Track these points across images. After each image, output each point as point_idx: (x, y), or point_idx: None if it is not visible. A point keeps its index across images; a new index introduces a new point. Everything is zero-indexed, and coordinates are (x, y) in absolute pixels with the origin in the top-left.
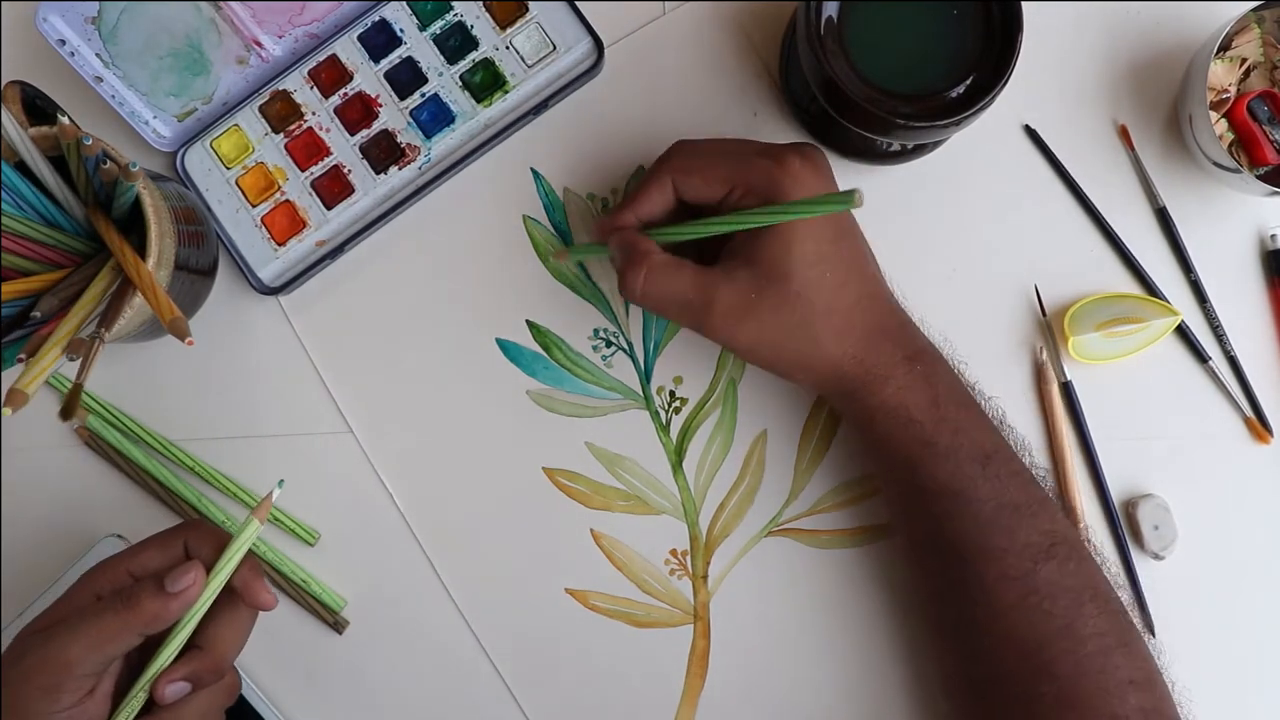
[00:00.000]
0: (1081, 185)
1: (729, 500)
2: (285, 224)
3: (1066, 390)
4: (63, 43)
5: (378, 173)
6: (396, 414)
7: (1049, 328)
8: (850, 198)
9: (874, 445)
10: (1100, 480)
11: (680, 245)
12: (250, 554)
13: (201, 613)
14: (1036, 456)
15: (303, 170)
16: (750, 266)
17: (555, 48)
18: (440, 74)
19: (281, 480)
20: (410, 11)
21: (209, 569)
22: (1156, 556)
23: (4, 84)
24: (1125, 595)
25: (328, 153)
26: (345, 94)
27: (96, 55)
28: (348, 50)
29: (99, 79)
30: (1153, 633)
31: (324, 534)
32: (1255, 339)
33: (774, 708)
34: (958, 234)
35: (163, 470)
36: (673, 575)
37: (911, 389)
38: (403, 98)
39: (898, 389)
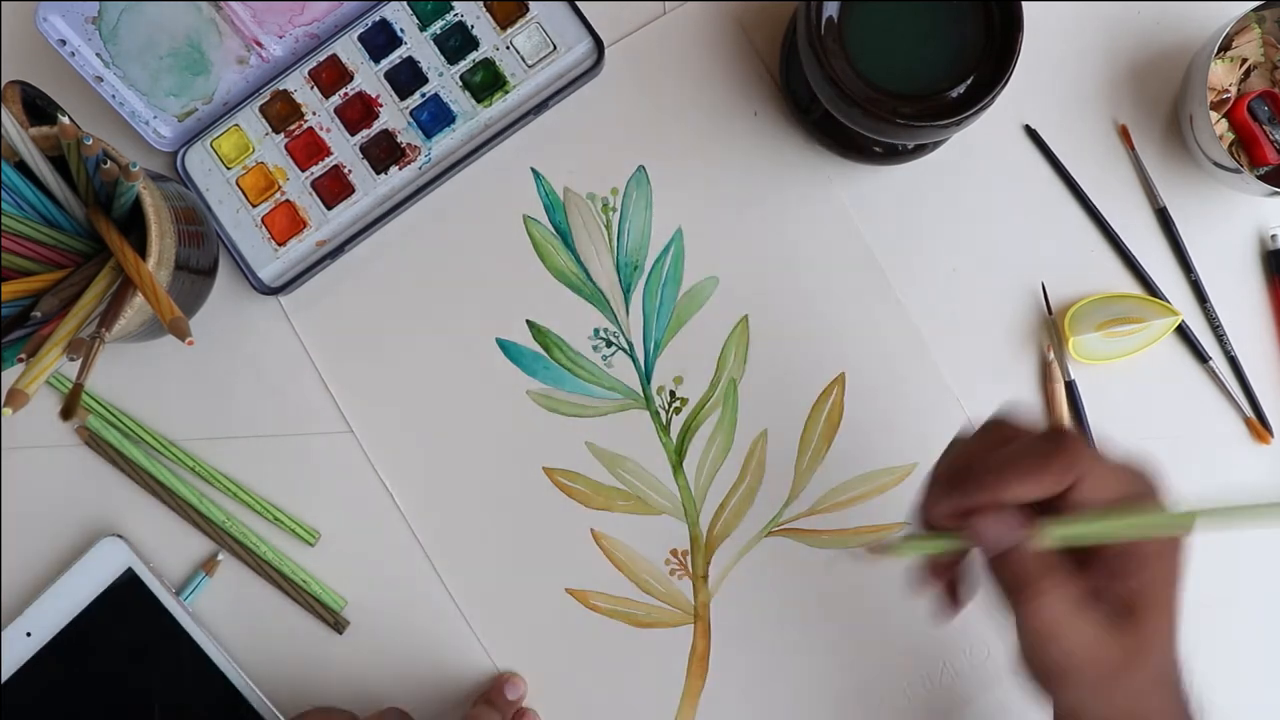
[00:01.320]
0: (1081, 185)
1: (729, 500)
2: (285, 224)
3: (1070, 390)
4: (63, 43)
5: (378, 173)
6: (396, 414)
7: (1054, 325)
8: None
9: None
10: None
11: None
12: None
13: None
14: None
15: (303, 170)
16: (1133, 617)
17: (555, 48)
18: (440, 74)
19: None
20: (410, 11)
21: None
22: None
23: (4, 84)
24: None
25: (328, 153)
26: (345, 94)
27: (97, 55)
28: (348, 50)
29: (99, 79)
30: None
31: (324, 534)
32: (1255, 339)
33: (774, 708)
34: (958, 234)
35: (163, 470)
36: (673, 575)
37: None
38: (403, 98)
39: None
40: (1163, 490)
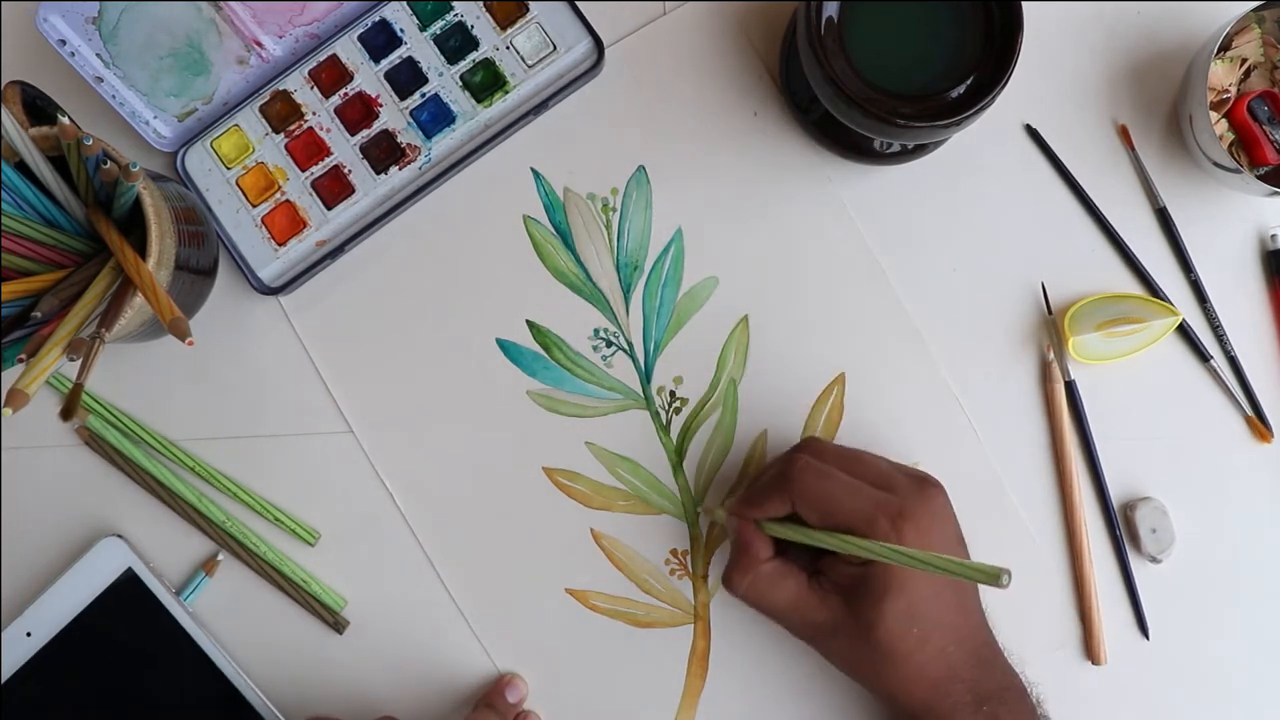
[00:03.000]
0: (1082, 185)
1: (729, 500)
2: (285, 224)
3: (1070, 390)
4: (63, 43)
5: (378, 173)
6: (397, 414)
7: (1054, 325)
8: (996, 576)
9: None
10: (1100, 482)
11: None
12: None
13: None
14: (1038, 457)
15: (303, 170)
16: (843, 596)
17: (555, 48)
18: (440, 74)
19: None
20: (410, 12)
21: None
22: (1154, 560)
23: (4, 84)
24: (1123, 603)
25: (328, 153)
26: (345, 94)
27: (97, 55)
28: (348, 50)
29: (99, 79)
30: (1147, 636)
31: (324, 534)
32: (1255, 339)
33: (774, 708)
34: (958, 234)
35: (163, 470)
36: (673, 575)
37: None
38: (403, 98)
39: None
40: (869, 527)
